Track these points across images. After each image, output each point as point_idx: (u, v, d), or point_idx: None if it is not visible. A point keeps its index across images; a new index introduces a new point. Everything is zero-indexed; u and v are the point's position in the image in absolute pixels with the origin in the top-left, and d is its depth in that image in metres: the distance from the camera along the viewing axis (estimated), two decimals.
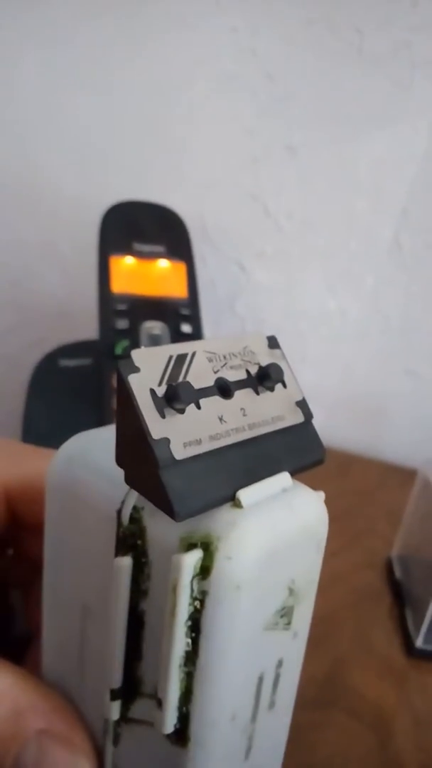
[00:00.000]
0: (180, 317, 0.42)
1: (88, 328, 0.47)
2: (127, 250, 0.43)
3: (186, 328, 0.42)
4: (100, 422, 0.38)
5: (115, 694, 0.19)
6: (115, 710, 0.19)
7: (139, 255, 0.43)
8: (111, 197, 0.44)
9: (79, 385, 0.42)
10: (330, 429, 0.56)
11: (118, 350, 0.40)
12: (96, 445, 0.21)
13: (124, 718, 0.20)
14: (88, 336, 0.46)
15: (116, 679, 0.19)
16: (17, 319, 0.61)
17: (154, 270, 0.43)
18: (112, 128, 0.56)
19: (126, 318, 0.40)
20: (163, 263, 0.44)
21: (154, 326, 0.41)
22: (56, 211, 0.58)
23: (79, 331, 0.48)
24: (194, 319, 0.43)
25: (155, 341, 0.41)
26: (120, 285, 0.42)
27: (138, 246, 0.43)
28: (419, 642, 0.33)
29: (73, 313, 0.59)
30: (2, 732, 0.20)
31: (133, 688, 0.19)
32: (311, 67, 0.50)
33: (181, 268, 0.44)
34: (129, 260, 0.43)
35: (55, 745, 0.20)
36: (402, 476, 0.52)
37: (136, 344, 0.40)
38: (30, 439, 0.40)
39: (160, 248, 0.44)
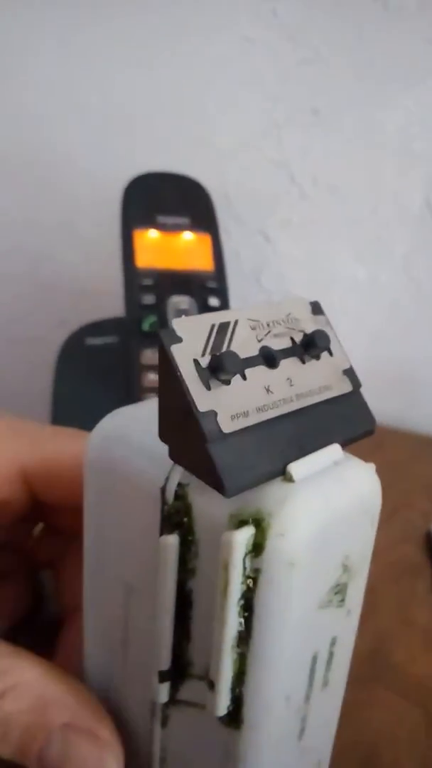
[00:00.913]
0: (207, 291, 0.41)
1: (111, 307, 0.47)
2: (151, 223, 0.42)
3: (213, 301, 0.41)
4: (130, 400, 0.37)
5: (163, 676, 0.19)
6: (163, 692, 0.19)
7: (163, 228, 0.42)
8: (131, 171, 0.43)
9: (106, 364, 0.42)
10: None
11: (146, 326, 0.39)
12: (132, 423, 0.20)
13: (172, 700, 0.19)
14: (112, 314, 0.46)
15: (165, 661, 0.18)
16: (40, 300, 0.61)
17: (179, 243, 0.42)
18: (130, 100, 0.54)
19: (152, 293, 0.40)
20: (188, 235, 0.42)
21: (181, 301, 0.40)
22: (74, 188, 0.57)
23: (103, 309, 0.47)
24: (221, 292, 0.42)
25: (183, 316, 0.40)
26: (145, 259, 0.41)
27: (162, 218, 0.42)
28: None
29: (96, 291, 0.59)
30: (27, 725, 0.19)
31: (182, 669, 0.19)
32: (334, 27, 0.48)
33: (206, 240, 0.43)
34: (153, 233, 0.42)
35: (81, 739, 0.19)
36: None
37: (163, 320, 0.39)
38: (59, 419, 0.39)
39: (184, 220, 0.43)
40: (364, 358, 0.56)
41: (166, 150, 0.53)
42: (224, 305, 0.42)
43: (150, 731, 0.21)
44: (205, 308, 0.40)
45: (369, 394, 0.58)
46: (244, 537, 0.15)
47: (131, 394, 0.39)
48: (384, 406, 0.56)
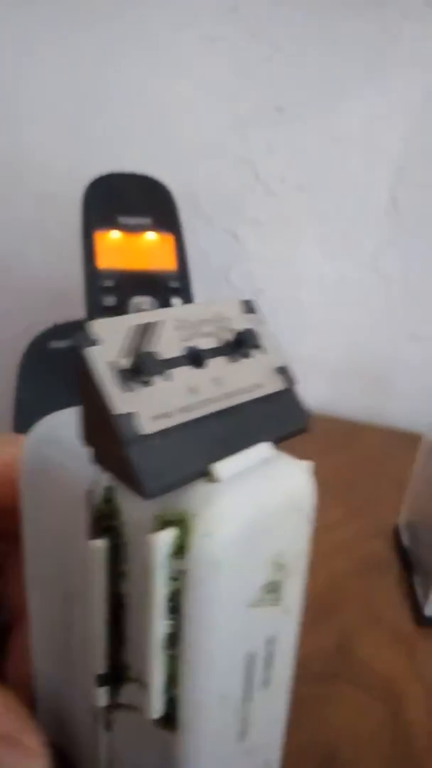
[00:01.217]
0: (169, 290, 0.41)
1: (81, 309, 0.46)
2: (113, 224, 0.41)
3: (176, 301, 0.41)
4: None
5: (101, 680, 0.19)
6: (102, 696, 0.19)
7: (125, 228, 0.42)
8: (95, 171, 0.42)
9: (69, 367, 0.41)
10: (334, 397, 0.55)
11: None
12: (66, 425, 0.20)
13: (113, 704, 0.19)
14: (81, 317, 0.45)
15: (101, 665, 0.18)
16: (10, 303, 0.61)
17: (142, 243, 0.42)
18: (94, 100, 0.54)
19: (113, 294, 0.39)
20: (151, 236, 0.42)
21: (142, 301, 0.40)
22: (43, 189, 0.57)
23: (76, 311, 0.47)
24: (184, 291, 0.42)
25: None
26: (106, 260, 0.40)
27: (123, 219, 0.42)
28: (428, 610, 0.33)
29: (68, 293, 0.58)
30: None
31: (119, 673, 0.19)
32: (295, 23, 0.48)
33: (169, 239, 0.43)
34: (115, 234, 0.41)
35: (4, 747, 0.19)
36: (409, 442, 0.51)
37: None
38: (22, 424, 0.39)
39: (146, 220, 0.42)
40: (336, 354, 0.56)
41: (132, 149, 0.53)
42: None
43: (96, 736, 0.21)
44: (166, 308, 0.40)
45: (343, 389, 0.58)
46: (166, 538, 0.15)
47: None
48: (358, 400, 0.56)
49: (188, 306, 0.18)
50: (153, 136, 0.53)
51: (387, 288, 0.52)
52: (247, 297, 0.20)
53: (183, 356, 0.17)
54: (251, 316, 0.19)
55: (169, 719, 0.17)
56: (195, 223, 0.53)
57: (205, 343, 0.18)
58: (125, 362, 0.16)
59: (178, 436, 0.16)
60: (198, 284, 0.45)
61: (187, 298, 0.42)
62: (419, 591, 0.34)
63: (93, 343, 0.15)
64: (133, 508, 0.16)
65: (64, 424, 0.20)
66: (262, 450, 0.17)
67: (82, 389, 0.16)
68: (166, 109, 0.52)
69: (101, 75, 0.53)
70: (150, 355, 0.16)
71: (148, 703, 0.17)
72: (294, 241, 0.53)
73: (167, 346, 0.17)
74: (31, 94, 0.55)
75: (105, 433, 0.15)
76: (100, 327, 0.16)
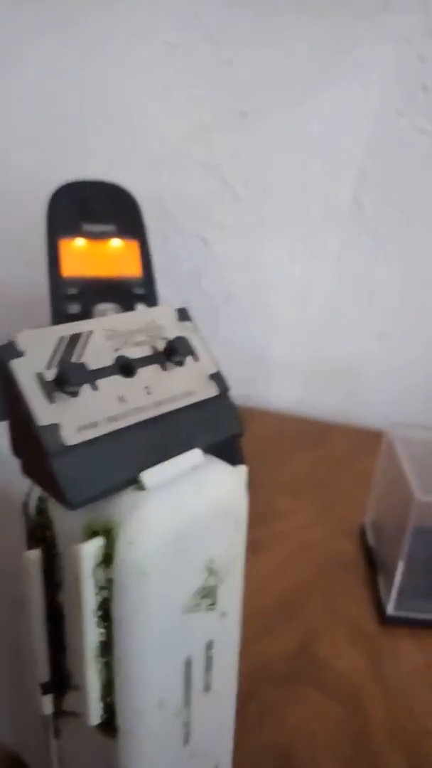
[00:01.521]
0: (134, 297, 0.41)
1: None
2: (77, 231, 0.42)
3: (141, 307, 0.41)
4: None
5: (45, 688, 0.19)
6: (47, 704, 0.19)
7: (89, 236, 0.42)
8: (61, 178, 0.42)
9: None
10: (305, 399, 0.55)
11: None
12: (4, 437, 0.20)
13: (58, 711, 0.19)
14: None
15: (43, 673, 0.18)
16: None
17: (107, 250, 0.42)
18: (61, 109, 0.54)
19: (77, 302, 0.39)
20: (116, 242, 0.42)
21: (107, 308, 0.40)
22: (8, 195, 0.57)
23: (43, 319, 0.47)
24: (150, 297, 0.42)
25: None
26: (71, 268, 0.40)
27: (88, 227, 0.42)
28: (390, 609, 0.33)
29: (39, 302, 0.58)
30: None
31: (62, 681, 0.19)
32: (254, 28, 0.48)
33: (134, 246, 0.43)
34: (79, 242, 0.41)
35: None
36: (378, 441, 0.51)
37: None
38: None
39: (111, 227, 0.43)
40: (306, 355, 0.56)
41: (97, 156, 0.53)
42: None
43: (47, 743, 0.21)
44: None
45: (314, 391, 0.58)
46: (92, 548, 0.15)
47: None
48: (328, 400, 0.57)
49: (121, 315, 0.18)
50: (118, 143, 0.53)
51: (352, 287, 0.53)
52: (179, 306, 0.20)
53: (112, 366, 0.17)
54: (185, 324, 0.19)
55: (109, 725, 0.18)
56: (164, 228, 0.53)
57: (137, 352, 0.18)
58: (51, 373, 0.16)
59: (105, 446, 0.16)
60: (169, 289, 0.46)
61: (153, 304, 0.42)
62: (382, 590, 0.34)
63: (18, 354, 0.16)
64: (63, 519, 0.17)
65: (2, 436, 0.20)
66: (193, 457, 0.18)
67: (7, 401, 0.16)
68: (130, 116, 0.52)
69: (65, 80, 0.53)
70: (76, 366, 0.16)
71: (86, 710, 0.17)
72: (261, 245, 0.53)
73: (96, 356, 0.17)
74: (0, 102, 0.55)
75: (31, 445, 0.16)
76: (27, 338, 0.16)
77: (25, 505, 0.17)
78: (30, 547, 0.17)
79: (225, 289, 0.55)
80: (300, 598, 0.35)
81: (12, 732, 0.24)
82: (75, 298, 0.40)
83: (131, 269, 0.43)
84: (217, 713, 0.20)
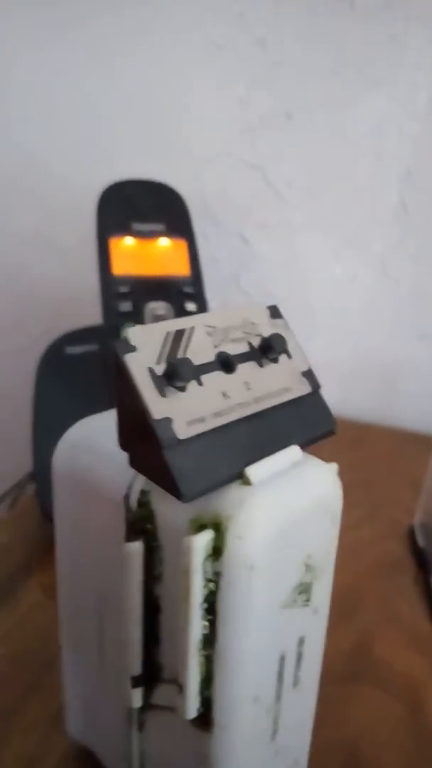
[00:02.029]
0: (184, 296, 0.41)
1: (93, 314, 0.47)
2: (126, 230, 0.42)
3: (191, 306, 0.41)
4: (111, 409, 0.37)
5: (136, 681, 0.19)
6: (137, 697, 0.19)
7: (138, 235, 0.42)
8: (105, 178, 0.43)
9: (87, 372, 0.42)
10: (344, 400, 0.55)
11: (119, 340, 0.39)
12: (100, 431, 0.20)
13: (146, 704, 0.19)
14: (94, 321, 0.46)
15: (136, 666, 0.19)
16: (21, 311, 0.61)
17: (155, 249, 0.42)
18: (102, 108, 0.54)
19: (129, 300, 0.40)
20: (164, 242, 0.43)
21: (158, 307, 0.40)
22: (50, 196, 0.57)
23: (85, 318, 0.47)
24: (199, 297, 0.42)
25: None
26: (121, 267, 0.41)
27: (137, 226, 0.42)
28: None
29: (77, 300, 0.59)
30: None
31: (153, 674, 0.19)
32: (303, 28, 0.48)
33: (182, 245, 0.43)
34: (129, 241, 0.42)
35: None
36: (420, 443, 0.51)
37: None
38: (41, 430, 0.39)
39: (159, 226, 0.43)
40: (345, 357, 0.56)
41: (140, 156, 0.53)
42: (202, 310, 0.42)
43: (128, 736, 0.21)
44: (182, 313, 0.40)
45: (353, 391, 0.58)
46: (203, 541, 0.16)
47: (112, 403, 0.39)
48: (368, 402, 0.57)
49: (217, 312, 0.18)
50: (161, 142, 0.53)
51: (396, 289, 0.53)
52: (270, 303, 0.20)
53: (214, 362, 0.17)
54: (277, 321, 0.20)
55: (204, 719, 0.18)
56: (205, 228, 0.54)
57: (235, 349, 0.18)
58: (161, 368, 0.16)
59: (212, 441, 0.16)
60: (208, 289, 0.46)
61: (202, 303, 0.42)
62: None
63: (131, 349, 0.16)
64: (167, 512, 0.17)
65: (96, 430, 0.20)
66: (292, 453, 0.18)
67: (119, 395, 0.16)
68: (174, 115, 0.52)
69: (107, 78, 0.53)
70: (186, 361, 0.16)
71: (184, 703, 0.17)
72: (303, 245, 0.53)
73: (200, 352, 0.17)
74: (36, 101, 0.55)
75: (143, 439, 0.16)
76: (137, 334, 0.16)
77: (127, 498, 0.18)
78: (130, 539, 0.18)
79: (264, 289, 0.55)
80: (352, 599, 0.35)
81: (85, 726, 0.24)
82: (126, 296, 0.40)
83: (179, 268, 0.43)
84: (302, 709, 0.20)
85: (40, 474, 0.38)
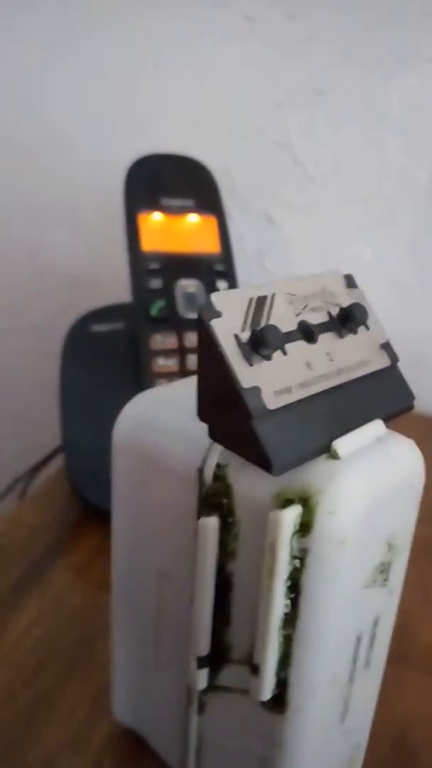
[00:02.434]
0: (215, 273, 0.40)
1: (112, 292, 0.46)
2: (155, 205, 0.41)
3: (222, 284, 0.40)
4: (140, 386, 0.36)
5: (202, 662, 0.18)
6: (202, 678, 0.18)
7: (167, 210, 0.41)
8: (130, 155, 0.42)
9: (113, 350, 0.41)
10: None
11: (154, 311, 0.38)
12: (161, 405, 0.20)
13: (211, 686, 0.19)
14: (114, 300, 0.45)
15: (204, 646, 0.18)
16: (39, 287, 0.60)
17: (185, 225, 0.41)
18: (129, 81, 0.53)
19: (159, 277, 0.39)
20: (193, 218, 0.42)
21: (188, 284, 0.39)
22: (71, 172, 0.56)
23: (104, 295, 0.46)
24: (229, 275, 0.41)
25: (191, 300, 0.39)
26: (150, 243, 0.40)
27: (166, 201, 0.41)
28: None
29: (95, 277, 0.58)
30: None
31: (221, 654, 0.18)
32: (335, 3, 0.47)
33: (212, 222, 0.42)
34: (157, 216, 0.41)
35: None
36: None
37: (171, 304, 0.39)
38: (69, 408, 0.39)
39: (189, 202, 0.42)
40: None
41: (165, 132, 0.52)
42: (232, 287, 0.41)
43: (185, 719, 0.20)
44: (213, 291, 0.40)
45: None
46: (291, 516, 0.15)
47: (141, 381, 0.38)
48: None
49: (295, 279, 0.18)
50: (188, 118, 0.52)
51: (423, 272, 0.52)
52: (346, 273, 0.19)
53: (296, 331, 0.16)
54: (354, 290, 0.19)
55: (277, 701, 0.17)
56: (231, 206, 0.53)
57: (315, 318, 0.17)
58: (246, 336, 0.15)
59: (298, 412, 0.16)
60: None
61: (232, 281, 0.41)
62: None
63: (217, 315, 0.15)
64: (247, 486, 0.16)
65: (156, 404, 0.20)
66: (376, 427, 0.17)
67: (201, 363, 0.15)
68: (202, 90, 0.51)
69: (136, 55, 0.52)
70: (273, 329, 0.15)
71: (259, 685, 0.17)
72: (330, 225, 0.52)
73: (281, 320, 0.16)
74: (60, 77, 0.54)
75: (228, 408, 0.15)
76: (221, 300, 0.15)
77: (200, 472, 0.17)
78: (203, 514, 0.17)
79: (289, 270, 0.54)
80: None
81: (134, 708, 0.23)
82: (156, 273, 0.39)
83: (209, 245, 0.42)
84: (370, 690, 0.20)
85: (71, 452, 0.37)
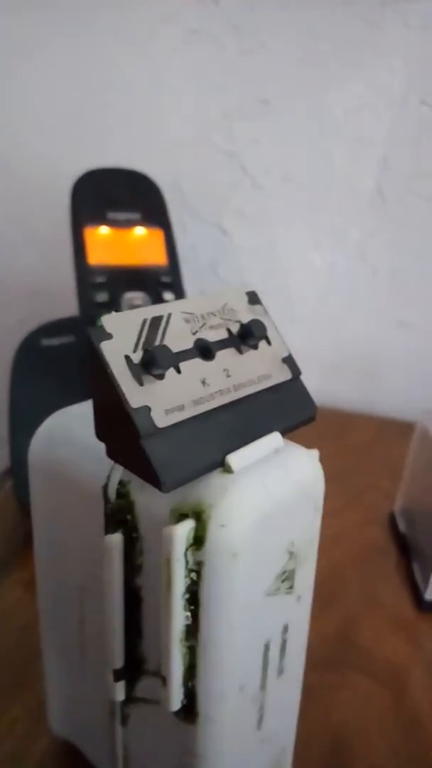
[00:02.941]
0: (161, 285, 0.41)
1: (69, 305, 0.46)
2: (102, 219, 0.41)
3: (168, 296, 0.41)
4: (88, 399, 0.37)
5: (118, 675, 0.19)
6: (119, 691, 0.19)
7: (114, 224, 0.41)
8: (80, 167, 0.42)
9: (63, 364, 0.41)
10: (324, 388, 0.55)
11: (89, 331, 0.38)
12: (75, 422, 0.20)
13: (129, 698, 0.19)
14: (70, 313, 0.45)
15: (118, 659, 0.18)
16: None
17: (131, 238, 0.42)
18: (78, 95, 0.53)
19: (105, 290, 0.39)
20: (140, 231, 0.42)
21: (135, 297, 0.40)
22: (24, 186, 0.56)
23: (61, 308, 0.47)
24: (176, 286, 0.42)
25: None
26: (97, 256, 0.40)
27: (112, 215, 0.42)
28: (428, 594, 0.33)
29: (53, 290, 0.58)
30: None
31: (136, 666, 0.19)
32: (277, 15, 0.48)
33: (159, 234, 0.43)
34: (104, 230, 0.41)
35: None
36: (400, 430, 0.51)
37: None
38: (17, 423, 0.39)
39: (135, 215, 0.42)
40: (326, 345, 0.56)
41: (116, 144, 0.52)
42: (179, 299, 0.41)
43: (111, 730, 0.21)
44: (159, 303, 0.40)
45: (333, 380, 0.58)
46: (184, 530, 0.15)
47: (89, 395, 0.38)
48: (348, 390, 0.57)
49: (194, 298, 0.18)
50: (137, 130, 0.53)
51: (374, 277, 0.52)
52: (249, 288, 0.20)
53: (192, 349, 0.17)
54: (256, 307, 0.19)
55: (188, 711, 0.17)
56: (182, 217, 0.53)
57: (213, 335, 0.18)
58: (138, 356, 0.16)
59: (191, 429, 0.16)
60: (187, 280, 0.45)
61: (179, 293, 0.42)
62: (418, 576, 0.35)
63: (107, 336, 0.15)
64: (147, 502, 0.17)
65: (71, 421, 0.20)
66: (273, 440, 0.17)
67: (95, 384, 0.16)
68: (149, 103, 0.52)
69: (82, 69, 0.52)
70: (164, 348, 0.16)
71: (167, 695, 0.17)
72: (281, 233, 0.53)
73: (177, 339, 0.17)
74: (9, 89, 0.54)
75: (120, 428, 0.15)
76: (112, 321, 0.16)
77: (105, 489, 0.17)
78: (109, 531, 0.17)
79: (242, 279, 0.55)
80: (335, 586, 0.35)
81: (67, 721, 0.24)
82: (103, 287, 0.39)
83: (156, 258, 0.42)
84: (287, 697, 0.20)
85: (18, 469, 0.37)
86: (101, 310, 0.39)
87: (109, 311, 0.39)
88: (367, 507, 0.42)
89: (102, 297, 0.39)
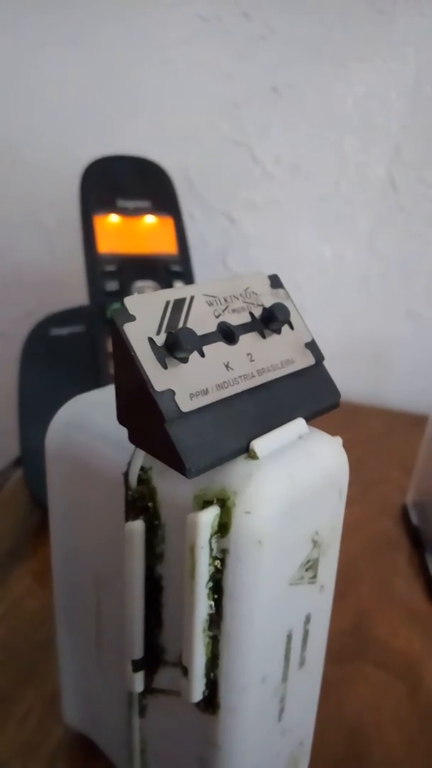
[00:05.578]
0: (171, 274, 0.40)
1: (77, 295, 0.46)
2: (111, 207, 0.41)
3: (179, 285, 0.40)
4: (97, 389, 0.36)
5: (137, 665, 0.18)
6: (138, 682, 0.19)
7: (123, 212, 0.41)
8: (89, 155, 0.42)
9: (73, 354, 0.41)
10: (333, 379, 0.55)
11: (110, 313, 0.38)
12: (93, 408, 0.20)
13: (148, 689, 0.19)
14: (79, 303, 0.45)
15: (137, 650, 0.18)
16: (2, 292, 0.60)
17: (141, 227, 0.41)
18: (86, 83, 0.53)
19: (115, 279, 0.39)
20: (150, 219, 0.42)
21: (145, 285, 0.39)
22: (33, 173, 0.56)
23: (69, 298, 0.46)
24: (186, 275, 0.41)
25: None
26: (106, 245, 0.40)
27: (122, 202, 0.41)
28: None
29: (61, 280, 0.57)
30: None
31: (155, 657, 0.18)
32: (288, 1, 0.47)
33: (169, 222, 0.42)
34: (114, 218, 0.41)
35: None
36: (410, 422, 0.51)
37: None
38: (27, 413, 0.38)
39: (145, 203, 0.42)
40: (335, 336, 0.55)
41: (124, 133, 0.52)
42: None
43: (128, 722, 0.20)
44: None
45: (342, 371, 0.58)
46: (208, 517, 0.15)
47: (99, 384, 0.38)
48: (357, 382, 0.56)
49: (217, 281, 0.18)
50: (146, 118, 0.52)
51: (384, 267, 0.52)
52: (271, 273, 0.19)
53: (215, 332, 0.17)
54: (278, 291, 0.19)
55: (209, 702, 0.17)
56: (191, 206, 0.53)
57: (236, 319, 0.17)
58: (161, 339, 0.15)
59: (215, 414, 0.16)
60: (195, 269, 0.45)
61: (190, 282, 0.41)
62: (431, 568, 0.34)
63: (130, 318, 0.15)
64: (170, 489, 0.16)
65: (89, 407, 0.20)
66: (297, 426, 0.17)
67: (118, 367, 0.15)
68: (158, 91, 0.51)
69: (92, 56, 0.52)
70: (188, 331, 0.15)
71: (188, 686, 0.17)
72: (290, 223, 0.52)
73: (200, 322, 0.16)
74: (15, 79, 0.53)
75: (143, 412, 0.15)
76: (135, 303, 0.15)
77: (126, 475, 0.17)
78: (130, 518, 0.17)
79: (251, 268, 0.54)
80: (348, 578, 0.35)
81: (82, 712, 0.23)
82: (113, 275, 0.39)
83: (166, 246, 0.42)
84: (308, 689, 0.20)
85: (29, 459, 0.37)
86: (111, 299, 0.39)
87: (118, 300, 0.39)
88: (379, 499, 0.42)
89: (112, 286, 0.39)
